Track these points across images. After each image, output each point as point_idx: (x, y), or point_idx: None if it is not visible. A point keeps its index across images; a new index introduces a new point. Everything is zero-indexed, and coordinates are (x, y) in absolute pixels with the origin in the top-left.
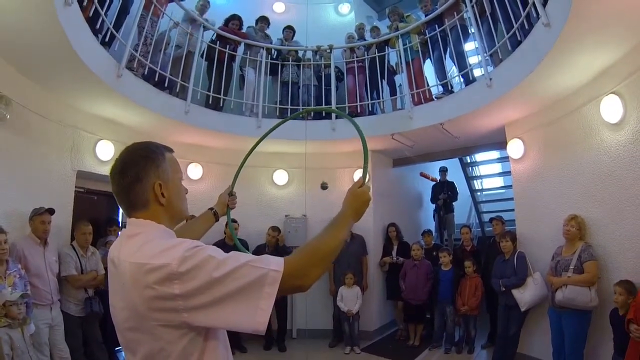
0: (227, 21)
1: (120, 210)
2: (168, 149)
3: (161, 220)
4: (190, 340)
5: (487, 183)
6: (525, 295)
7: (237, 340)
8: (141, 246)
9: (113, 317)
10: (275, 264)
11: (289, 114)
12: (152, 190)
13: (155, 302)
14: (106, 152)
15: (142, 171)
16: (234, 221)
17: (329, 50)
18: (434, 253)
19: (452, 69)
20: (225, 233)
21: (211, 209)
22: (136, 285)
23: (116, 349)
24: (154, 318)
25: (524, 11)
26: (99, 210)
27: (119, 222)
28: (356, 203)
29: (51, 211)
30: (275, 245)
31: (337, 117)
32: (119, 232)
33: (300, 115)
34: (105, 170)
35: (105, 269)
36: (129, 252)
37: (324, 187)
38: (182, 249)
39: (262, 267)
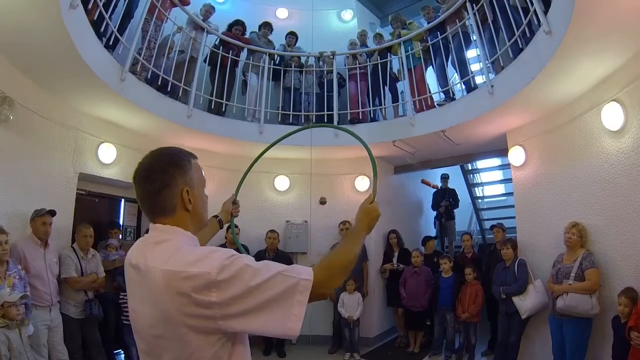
0: (231, 26)
1: (122, 214)
2: (193, 156)
3: (187, 226)
4: (221, 345)
5: (488, 190)
6: (526, 302)
7: None
8: (173, 253)
9: (133, 321)
10: (305, 273)
11: (290, 120)
12: (180, 197)
13: (190, 309)
14: (108, 155)
15: (170, 177)
16: (236, 227)
17: (331, 57)
18: (435, 259)
19: (453, 76)
20: (226, 238)
21: (215, 216)
22: (170, 292)
23: (115, 351)
24: (187, 325)
25: (525, 19)
26: (100, 213)
27: (120, 225)
28: (367, 218)
29: (52, 213)
30: (275, 250)
31: (339, 123)
32: (120, 236)
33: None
34: (107, 173)
35: (106, 271)
36: (160, 259)
37: (322, 202)
38: (219, 257)
39: (294, 277)
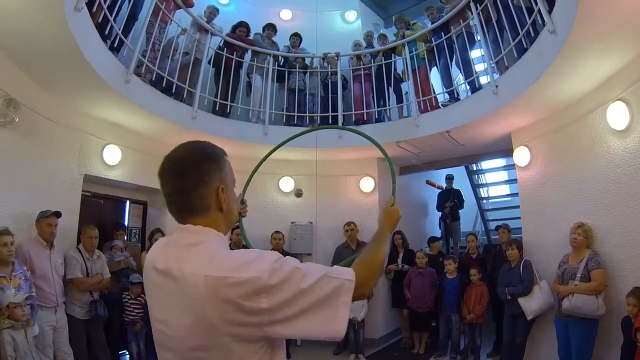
0: (235, 28)
1: (127, 215)
2: (224, 152)
3: (219, 228)
4: (263, 352)
5: (493, 191)
6: (531, 303)
7: None
8: (212, 257)
9: (160, 333)
10: (348, 274)
11: (295, 121)
12: (215, 195)
13: (235, 317)
14: (113, 156)
15: (205, 173)
16: (236, 227)
17: (336, 58)
18: (440, 260)
19: (458, 77)
20: (231, 240)
21: None
22: (213, 300)
23: (120, 352)
24: (230, 334)
25: (529, 18)
26: (105, 214)
27: (125, 227)
28: (391, 220)
29: (58, 214)
30: (280, 251)
31: (344, 124)
32: (125, 237)
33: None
34: (112, 175)
35: (112, 272)
36: (198, 264)
37: (298, 195)
38: (269, 260)
39: (339, 278)
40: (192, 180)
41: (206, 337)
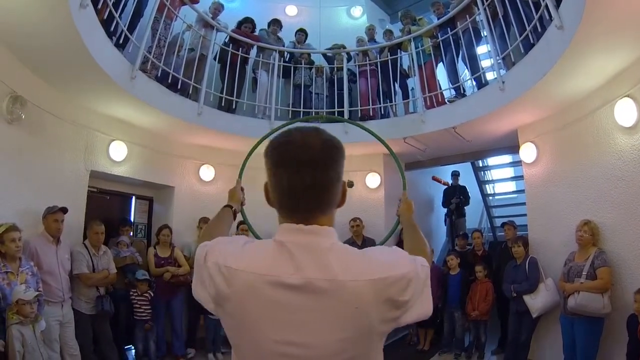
0: (240, 24)
1: (132, 211)
2: None
3: (333, 225)
4: (381, 345)
5: (499, 187)
6: (536, 301)
7: None
8: (361, 259)
9: (291, 358)
10: (425, 260)
11: (301, 117)
12: (341, 192)
13: (389, 314)
14: (119, 152)
15: (340, 168)
16: (242, 223)
17: (343, 52)
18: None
19: (464, 73)
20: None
21: (230, 207)
22: (377, 302)
23: (126, 347)
24: (379, 332)
25: (536, 14)
26: (111, 210)
27: (131, 222)
28: (411, 210)
29: (64, 210)
30: None
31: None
32: (131, 233)
33: (319, 120)
34: (118, 171)
35: (118, 268)
36: (355, 269)
37: (350, 185)
38: (404, 254)
39: (425, 265)
40: (335, 174)
41: (362, 345)
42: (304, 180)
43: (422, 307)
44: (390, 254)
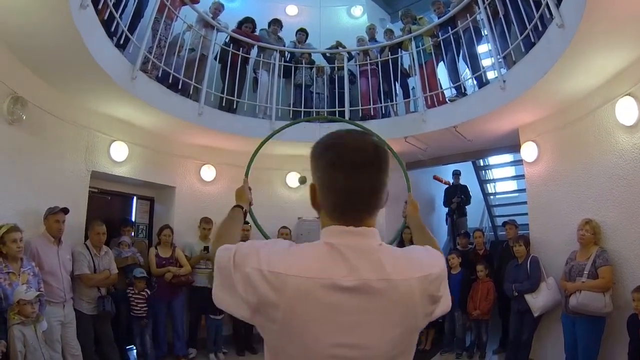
0: (240, 24)
1: (134, 211)
2: None
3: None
4: None
5: (500, 186)
6: (538, 300)
7: (249, 341)
8: (406, 257)
9: None
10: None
11: (302, 117)
12: (387, 194)
13: (430, 309)
14: (120, 153)
15: (389, 171)
16: (247, 223)
17: (344, 52)
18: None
19: (465, 72)
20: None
21: (240, 207)
22: (422, 299)
23: (127, 347)
24: (421, 327)
25: (537, 12)
26: (112, 211)
27: (132, 223)
28: (417, 210)
29: (65, 210)
30: None
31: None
32: (132, 233)
33: (318, 121)
34: (119, 171)
35: (119, 268)
36: (404, 268)
37: (302, 181)
38: (436, 251)
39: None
40: (387, 178)
41: (408, 341)
42: (361, 182)
43: (445, 302)
44: (426, 252)
